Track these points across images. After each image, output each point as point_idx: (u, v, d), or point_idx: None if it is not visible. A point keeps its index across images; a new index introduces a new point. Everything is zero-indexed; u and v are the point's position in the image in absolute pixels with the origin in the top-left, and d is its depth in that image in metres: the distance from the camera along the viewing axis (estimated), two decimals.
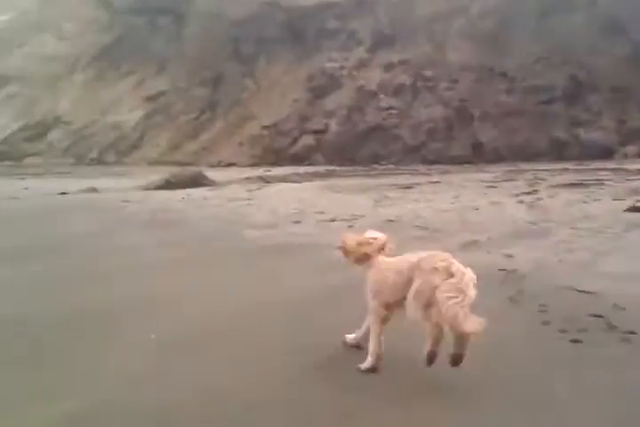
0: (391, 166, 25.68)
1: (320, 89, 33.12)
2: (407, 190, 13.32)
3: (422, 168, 23.16)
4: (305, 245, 6.77)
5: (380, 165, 26.69)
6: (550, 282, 4.80)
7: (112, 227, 8.59)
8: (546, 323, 3.77)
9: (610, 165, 19.98)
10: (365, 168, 24.66)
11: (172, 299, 4.56)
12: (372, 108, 30.78)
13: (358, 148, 29.22)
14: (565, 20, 28.64)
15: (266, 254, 6.33)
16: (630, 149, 25.45)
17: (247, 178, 18.50)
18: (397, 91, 30.98)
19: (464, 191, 12.73)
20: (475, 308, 2.71)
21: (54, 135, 42.41)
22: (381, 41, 33.55)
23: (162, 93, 40.96)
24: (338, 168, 25.32)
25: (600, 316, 3.85)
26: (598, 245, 6.23)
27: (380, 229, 7.53)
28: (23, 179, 22.89)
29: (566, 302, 4.25)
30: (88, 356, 3.38)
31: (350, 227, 7.92)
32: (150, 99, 41.09)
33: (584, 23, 28.46)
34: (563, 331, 3.60)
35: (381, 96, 31.11)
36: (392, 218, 8.71)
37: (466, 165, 24.05)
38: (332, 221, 8.61)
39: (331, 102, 32.29)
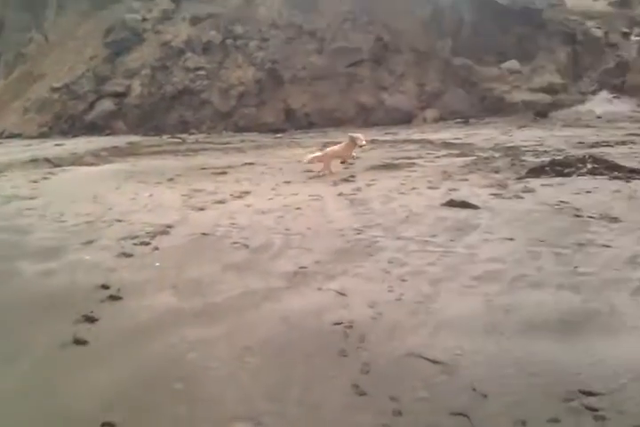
0: (201, 136, 23.94)
1: (120, 44, 29.41)
2: (220, 178, 12.04)
3: (234, 139, 21.84)
4: (89, 294, 5.30)
5: (190, 134, 24.77)
6: (394, 344, 4.06)
7: None
8: None
9: (413, 134, 20.50)
10: (173, 140, 22.62)
11: None
12: (179, 69, 28.23)
13: (165, 114, 26.76)
14: None
15: (31, 321, 4.75)
16: (429, 113, 25.72)
17: (32, 160, 15.47)
18: (206, 49, 28.68)
19: (282, 177, 11.85)
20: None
21: None
22: None
23: None
24: (142, 139, 22.88)
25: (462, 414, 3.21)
26: (430, 266, 5.75)
27: (191, 253, 6.32)
28: None
29: (417, 385, 3.54)
30: None
31: (155, 250, 6.59)
32: None
33: None
34: None
35: (189, 54, 28.60)
36: (206, 230, 7.49)
37: (279, 135, 23.32)
38: (133, 238, 7.14)
39: (133, 61, 28.94)
